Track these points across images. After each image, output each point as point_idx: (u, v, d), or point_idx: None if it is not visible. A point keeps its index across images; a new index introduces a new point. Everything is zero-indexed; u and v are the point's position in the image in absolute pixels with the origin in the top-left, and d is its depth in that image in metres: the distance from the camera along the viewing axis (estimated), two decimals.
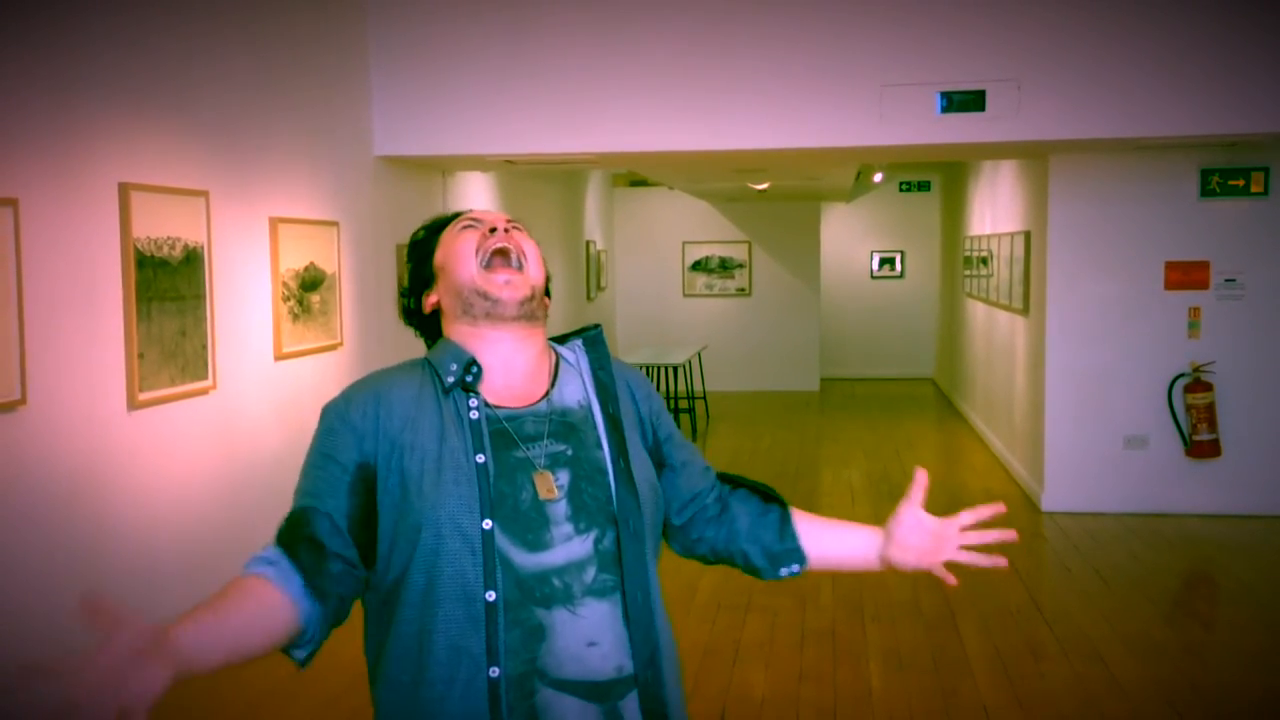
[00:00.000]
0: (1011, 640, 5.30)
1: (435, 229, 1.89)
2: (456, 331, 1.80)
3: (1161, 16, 6.30)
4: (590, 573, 1.67)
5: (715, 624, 5.55)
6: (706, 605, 5.82)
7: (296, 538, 1.65)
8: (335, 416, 1.73)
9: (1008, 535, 1.85)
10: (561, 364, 1.84)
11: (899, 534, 1.87)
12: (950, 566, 1.86)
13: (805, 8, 6.53)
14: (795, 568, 1.93)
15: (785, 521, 1.94)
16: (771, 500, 1.98)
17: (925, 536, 1.86)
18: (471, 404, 1.73)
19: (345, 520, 1.67)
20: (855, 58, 6.48)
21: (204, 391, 5.04)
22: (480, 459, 1.67)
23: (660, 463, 1.90)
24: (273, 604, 1.59)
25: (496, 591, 1.63)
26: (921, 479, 1.88)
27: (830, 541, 1.94)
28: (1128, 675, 4.88)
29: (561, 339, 1.90)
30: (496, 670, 1.62)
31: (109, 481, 4.44)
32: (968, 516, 1.86)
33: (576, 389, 1.81)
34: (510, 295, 1.77)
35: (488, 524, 1.64)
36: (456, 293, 1.79)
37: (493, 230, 1.81)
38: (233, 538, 5.11)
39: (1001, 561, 1.84)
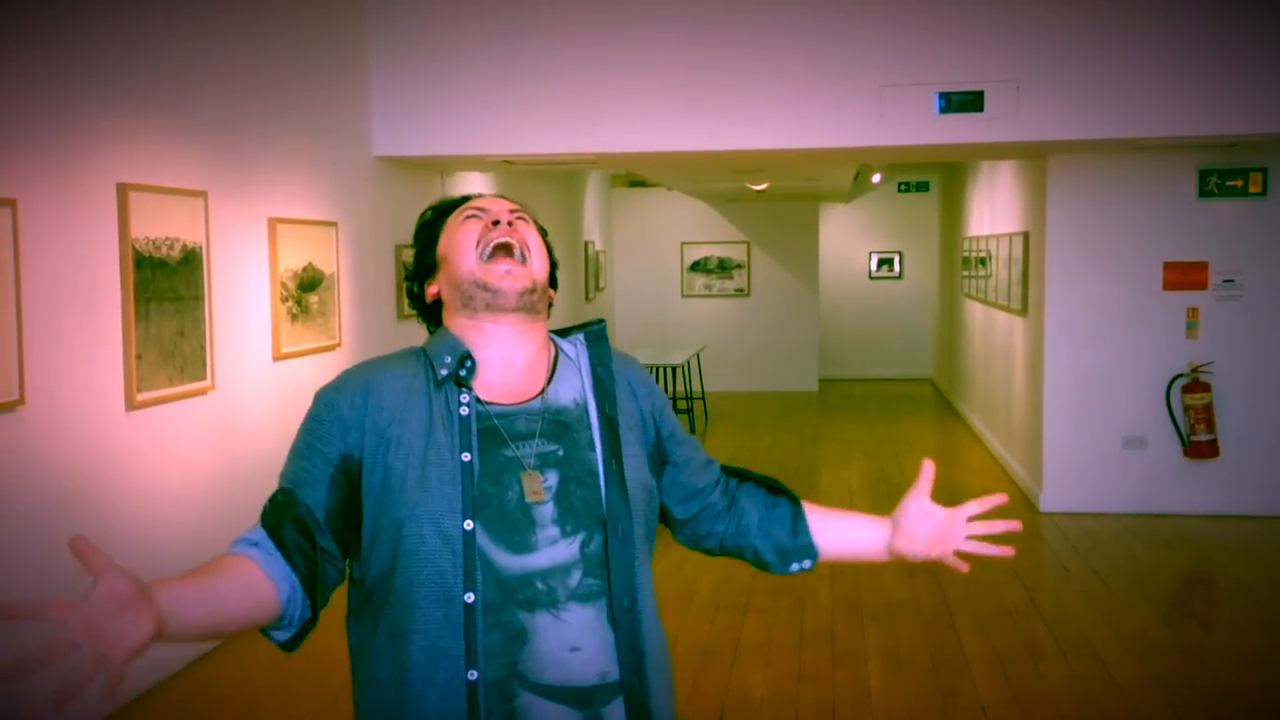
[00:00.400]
0: (1010, 640, 5.30)
1: (443, 211, 1.87)
2: (456, 324, 1.78)
3: (1161, 17, 6.31)
4: (575, 576, 1.65)
5: (714, 624, 5.55)
6: (705, 606, 5.82)
7: (281, 520, 1.64)
8: (324, 405, 1.72)
9: (1013, 525, 1.89)
10: (561, 358, 1.82)
11: (906, 524, 1.89)
12: (959, 556, 1.89)
13: (805, 8, 6.53)
14: (807, 563, 1.94)
15: (798, 517, 1.94)
16: (778, 492, 1.97)
17: (933, 526, 1.88)
18: (463, 399, 1.70)
19: (323, 513, 1.66)
20: (854, 58, 6.48)
21: (202, 392, 5.04)
22: (466, 458, 1.65)
23: (663, 460, 1.88)
24: (254, 583, 1.58)
25: (476, 593, 1.61)
26: (929, 470, 1.89)
27: (840, 534, 1.95)
28: (1126, 675, 4.88)
29: (564, 332, 1.87)
30: (475, 673, 1.60)
31: (108, 482, 4.44)
32: (974, 507, 1.88)
33: (573, 386, 1.79)
34: (510, 285, 1.74)
35: (469, 524, 1.62)
36: (456, 285, 1.77)
37: (496, 223, 1.78)
38: (232, 538, 5.10)
39: (1009, 551, 1.85)
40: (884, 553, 1.92)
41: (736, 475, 1.99)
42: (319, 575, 1.63)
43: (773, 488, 1.98)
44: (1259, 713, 4.62)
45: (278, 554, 1.61)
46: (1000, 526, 1.88)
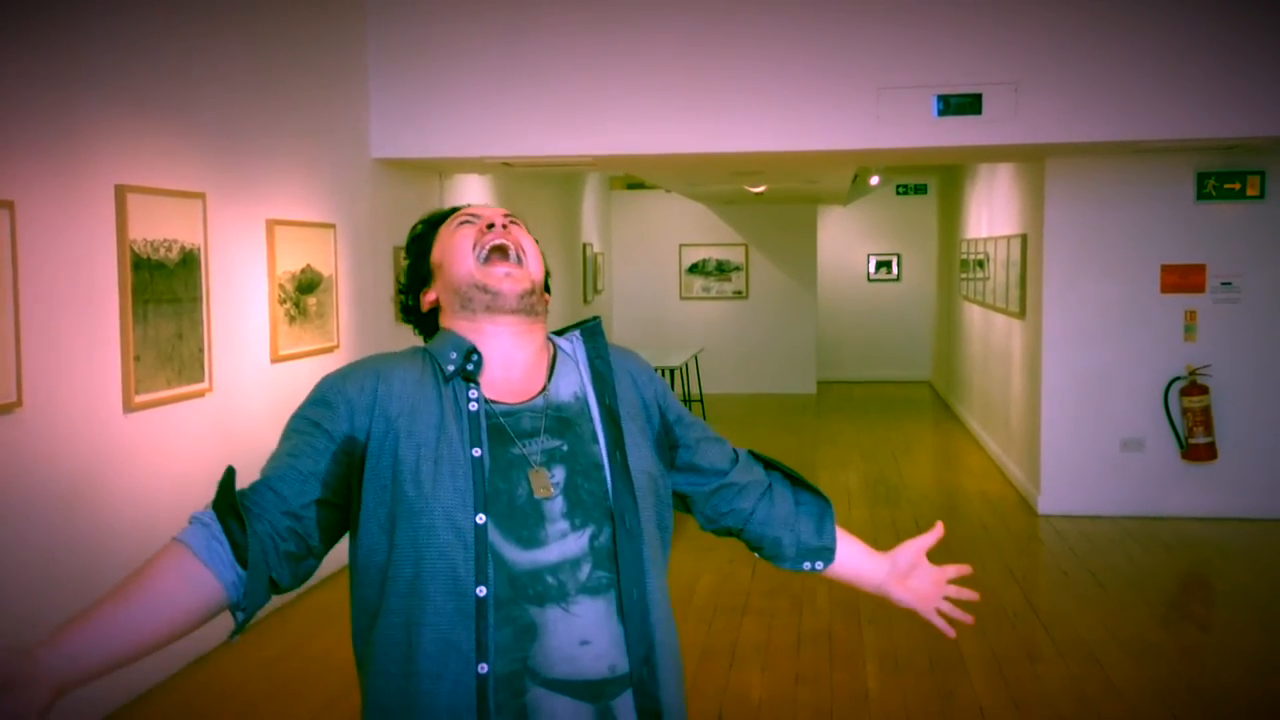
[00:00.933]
0: (1008, 642, 5.30)
1: (434, 223, 1.89)
2: (455, 326, 1.79)
3: (1160, 19, 6.32)
4: (585, 570, 1.66)
5: (712, 626, 5.55)
6: (703, 607, 5.82)
7: (232, 502, 1.60)
8: (330, 388, 1.72)
9: (973, 596, 2.04)
10: (559, 355, 1.84)
11: (903, 567, 2.00)
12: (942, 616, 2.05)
13: (804, 9, 6.54)
14: (819, 565, 1.99)
15: (826, 518, 2.01)
16: (801, 486, 2.03)
17: (926, 582, 2.01)
18: (471, 395, 1.71)
19: (320, 485, 1.66)
20: (853, 60, 6.49)
21: (200, 394, 5.04)
22: (476, 453, 1.66)
23: (674, 444, 1.91)
24: (191, 581, 1.55)
25: (487, 587, 1.62)
26: (939, 531, 2.02)
27: (851, 552, 2.02)
28: (1124, 677, 4.89)
29: (560, 332, 1.90)
30: (485, 667, 1.61)
31: (106, 484, 4.44)
32: (954, 570, 2.03)
33: (573, 381, 1.80)
34: (510, 288, 1.76)
35: (481, 518, 1.63)
36: (455, 289, 1.78)
37: (490, 226, 1.81)
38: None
39: (969, 618, 2.02)
40: (875, 586, 2.02)
41: (763, 462, 2.04)
42: (270, 556, 1.61)
43: (796, 480, 2.04)
44: (1257, 714, 4.62)
45: (224, 540, 1.58)
46: (966, 594, 2.02)
